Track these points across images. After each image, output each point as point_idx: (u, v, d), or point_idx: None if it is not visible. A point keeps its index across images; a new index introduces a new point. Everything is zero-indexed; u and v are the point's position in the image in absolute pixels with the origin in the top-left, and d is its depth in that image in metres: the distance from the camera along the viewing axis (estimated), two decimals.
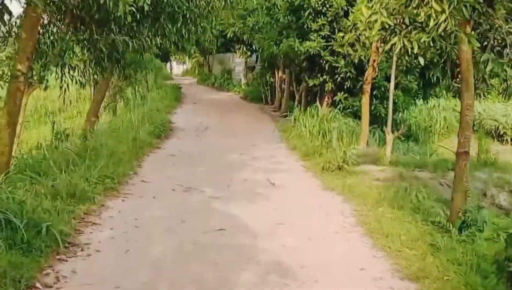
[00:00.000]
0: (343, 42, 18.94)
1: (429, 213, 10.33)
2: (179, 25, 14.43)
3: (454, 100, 26.41)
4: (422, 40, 8.73)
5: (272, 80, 32.21)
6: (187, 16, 14.49)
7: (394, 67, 15.98)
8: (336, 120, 18.66)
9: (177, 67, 76.93)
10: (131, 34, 13.30)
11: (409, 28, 9.07)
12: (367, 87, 17.35)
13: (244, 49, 36.14)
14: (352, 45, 18.93)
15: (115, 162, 13.14)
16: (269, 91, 32.52)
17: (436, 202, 11.41)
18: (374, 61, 17.27)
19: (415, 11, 8.66)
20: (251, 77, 37.85)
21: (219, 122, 23.91)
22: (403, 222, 9.73)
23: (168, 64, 69.41)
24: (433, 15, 8.10)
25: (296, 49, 20.68)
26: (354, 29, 18.15)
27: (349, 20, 18.63)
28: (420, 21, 8.71)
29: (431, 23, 8.22)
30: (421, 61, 9.57)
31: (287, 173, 14.08)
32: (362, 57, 18.39)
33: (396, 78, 16.99)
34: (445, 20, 8.07)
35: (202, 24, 15.77)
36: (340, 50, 19.36)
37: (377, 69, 17.74)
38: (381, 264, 7.94)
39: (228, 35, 26.03)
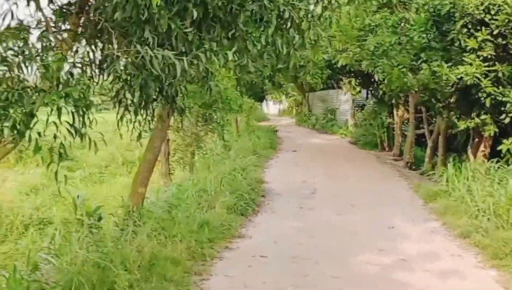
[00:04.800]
0: None
1: None
2: (269, 32, 7.81)
3: None
4: None
5: (389, 120, 25.26)
6: (287, 16, 7.86)
7: None
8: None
9: (273, 107, 72.21)
10: (184, 49, 7.02)
11: None
12: None
13: (353, 83, 29.27)
14: None
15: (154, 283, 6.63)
16: (385, 134, 25.54)
17: None
18: None
19: None
20: (360, 118, 30.84)
21: (328, 181, 17.00)
22: None
23: (264, 103, 64.34)
24: None
25: (444, 77, 13.71)
26: None
27: None
28: None
29: None
30: None
31: None
32: None
33: None
34: None
35: (311, 37, 8.96)
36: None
37: None
38: None
39: (340, 63, 19.28)
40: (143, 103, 8.42)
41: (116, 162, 28.07)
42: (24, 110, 6.41)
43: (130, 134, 8.60)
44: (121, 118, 7.76)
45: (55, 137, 6.81)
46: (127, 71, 6.52)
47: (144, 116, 8.66)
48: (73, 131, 6.79)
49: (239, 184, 13.51)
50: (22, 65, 6.42)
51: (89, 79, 7.54)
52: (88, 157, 28.85)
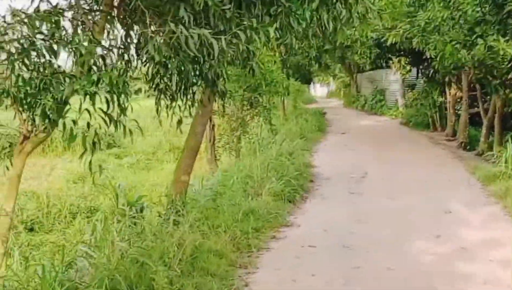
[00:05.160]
0: None
1: None
2: (314, 6, 7.22)
3: None
4: None
5: (441, 99, 24.29)
6: None
7: None
8: None
9: (320, 89, 71.44)
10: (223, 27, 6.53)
11: None
12: None
13: (403, 62, 28.25)
14: None
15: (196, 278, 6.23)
16: (437, 114, 24.57)
17: None
18: None
19: None
20: (411, 97, 29.83)
21: (379, 164, 16.29)
22: None
23: (311, 86, 63.70)
24: None
25: (500, 52, 12.86)
26: None
27: None
28: None
29: None
30: None
31: None
32: None
33: None
34: None
35: (359, 10, 8.32)
36: None
37: None
38: None
39: (389, 41, 18.42)
40: (182, 88, 8.02)
41: (163, 148, 27.84)
42: (55, 97, 6.02)
43: (170, 120, 8.18)
44: (158, 103, 7.31)
45: (88, 125, 6.43)
46: (163, 53, 5.99)
47: (184, 101, 8.25)
48: (107, 119, 6.39)
49: (286, 170, 12.95)
50: (53, 49, 6.00)
51: (126, 63, 7.14)
52: (135, 144, 28.78)
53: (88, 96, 6.11)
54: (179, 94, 7.99)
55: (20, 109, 6.20)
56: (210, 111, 10.69)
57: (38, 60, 6.05)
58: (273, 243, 8.88)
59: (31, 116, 6.28)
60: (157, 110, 7.71)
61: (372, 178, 14.33)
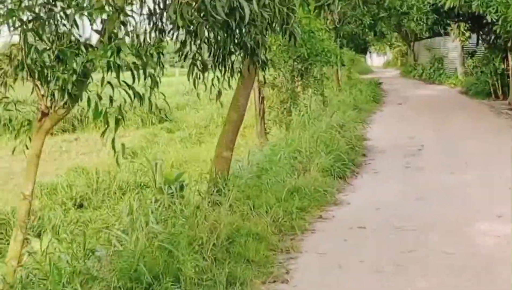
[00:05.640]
0: None
1: None
2: None
3: None
4: None
5: (503, 66, 22.94)
6: None
7: None
8: None
9: (377, 59, 70.05)
10: None
11: None
12: None
13: (462, 28, 26.83)
14: None
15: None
16: (499, 82, 23.22)
17: None
18: None
19: None
20: (471, 65, 28.39)
21: (437, 136, 15.31)
22: None
23: (367, 56, 62.39)
24: None
25: None
26: None
27: None
28: None
29: None
30: None
31: None
32: None
33: None
34: None
35: None
36: None
37: None
38: None
39: (447, 6, 17.25)
40: (218, 57, 7.37)
41: (215, 122, 27.29)
42: (74, 70, 5.45)
43: (209, 93, 7.55)
44: (190, 74, 6.65)
45: (111, 100, 5.86)
46: (187, 18, 5.31)
47: (223, 72, 7.60)
48: (131, 93, 5.78)
49: (336, 143, 12.17)
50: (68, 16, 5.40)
51: (160, 32, 6.47)
52: (188, 117, 28.40)
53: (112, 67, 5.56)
54: (216, 64, 7.37)
55: (38, 83, 5.69)
56: (252, 83, 9.98)
57: (54, 30, 5.50)
58: (319, 224, 8.17)
59: (50, 91, 5.75)
60: (194, 82, 7.07)
61: (429, 151, 13.40)
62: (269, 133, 17.45)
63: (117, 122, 5.82)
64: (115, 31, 5.67)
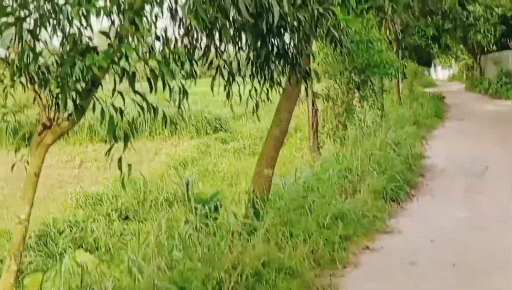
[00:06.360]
0: None
1: None
2: None
3: None
4: None
5: None
6: None
7: None
8: None
9: (442, 72, 68.00)
10: None
11: None
12: None
13: None
14: None
15: None
16: None
17: None
18: None
19: None
20: None
21: (504, 156, 13.90)
22: None
23: (432, 69, 60.50)
24: None
25: None
26: None
27: None
28: None
29: None
30: None
31: None
32: None
33: None
34: None
35: None
36: None
37: None
38: None
39: None
40: (255, 66, 6.49)
41: None
42: (79, 77, 4.67)
43: (245, 106, 6.69)
44: (213, 83, 5.76)
45: (121, 112, 5.05)
46: (203, 17, 4.43)
47: (262, 82, 6.73)
48: (144, 105, 4.97)
49: (391, 162, 11.09)
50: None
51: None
52: (244, 128, 27.62)
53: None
54: (255, 74, 6.50)
55: (38, 90, 4.93)
56: (297, 96, 9.03)
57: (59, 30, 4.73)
58: (364, 256, 7.13)
59: (54, 101, 4.98)
60: (228, 93, 6.20)
61: (494, 172, 12.09)
62: (322, 148, 16.44)
63: (126, 137, 4.98)
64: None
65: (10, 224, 12.21)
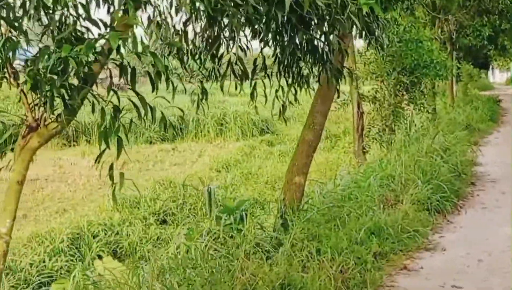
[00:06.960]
0: None
1: None
2: None
3: None
4: None
5: None
6: None
7: None
8: None
9: (500, 75, 65.79)
10: None
11: None
12: None
13: None
14: None
15: None
16: None
17: None
18: None
19: None
20: None
21: None
22: None
23: (489, 71, 58.50)
24: None
25: None
26: None
27: None
28: None
29: None
30: None
31: None
32: None
33: None
34: None
35: None
36: None
37: None
38: None
39: None
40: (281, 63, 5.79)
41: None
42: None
43: (271, 106, 5.98)
44: (223, 79, 5.04)
45: (116, 115, 4.39)
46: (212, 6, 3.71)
47: (290, 81, 6.03)
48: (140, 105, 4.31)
49: (437, 170, 10.15)
50: None
51: None
52: (291, 130, 26.83)
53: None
54: (282, 72, 5.82)
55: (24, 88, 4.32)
56: (332, 98, 8.21)
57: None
58: (401, 278, 6.26)
59: (42, 99, 4.36)
60: (251, 93, 5.52)
61: None
62: (368, 152, 15.58)
63: (119, 143, 4.32)
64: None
65: None
